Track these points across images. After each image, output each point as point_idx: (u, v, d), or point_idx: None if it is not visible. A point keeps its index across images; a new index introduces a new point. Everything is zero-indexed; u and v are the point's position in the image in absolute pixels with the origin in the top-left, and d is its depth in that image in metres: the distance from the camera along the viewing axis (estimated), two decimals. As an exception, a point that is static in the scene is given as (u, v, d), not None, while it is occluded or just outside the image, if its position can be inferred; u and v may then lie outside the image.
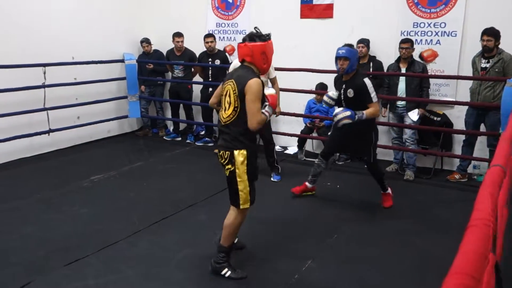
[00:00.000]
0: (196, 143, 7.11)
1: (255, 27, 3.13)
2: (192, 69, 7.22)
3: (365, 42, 5.84)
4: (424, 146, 5.81)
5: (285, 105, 6.65)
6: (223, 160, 3.10)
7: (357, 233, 4.01)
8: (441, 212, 4.51)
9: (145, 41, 7.30)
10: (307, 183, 4.78)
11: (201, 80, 7.10)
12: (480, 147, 5.41)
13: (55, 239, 3.77)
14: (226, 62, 6.73)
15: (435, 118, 5.63)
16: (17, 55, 5.72)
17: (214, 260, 3.23)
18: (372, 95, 4.12)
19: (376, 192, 4.62)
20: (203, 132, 7.35)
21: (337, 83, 4.40)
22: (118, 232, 3.88)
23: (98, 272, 3.26)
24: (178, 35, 6.97)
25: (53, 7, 6.26)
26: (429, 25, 5.74)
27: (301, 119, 6.48)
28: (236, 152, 3.03)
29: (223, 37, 7.20)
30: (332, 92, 4.39)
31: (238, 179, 3.06)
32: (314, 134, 6.34)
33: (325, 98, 4.41)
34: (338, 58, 4.16)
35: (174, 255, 3.53)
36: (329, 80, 6.12)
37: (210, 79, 6.82)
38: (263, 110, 3.05)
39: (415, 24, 5.81)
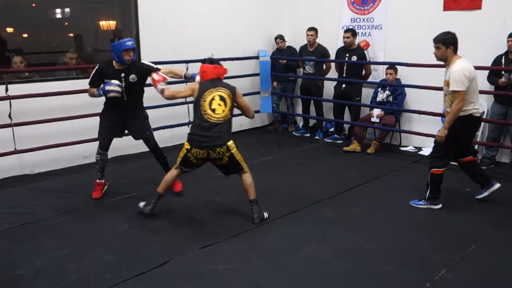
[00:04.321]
0: (325, 140, 7.08)
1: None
2: (324, 66, 7.18)
3: (519, 34, 5.23)
4: None
5: (420, 103, 6.28)
6: (221, 154, 3.92)
7: (502, 243, 3.64)
8: None
9: (279, 38, 7.46)
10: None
11: (334, 76, 7.03)
12: None
13: (191, 224, 4.07)
14: (363, 59, 6.56)
15: None
16: (164, 52, 6.23)
17: (260, 214, 4.05)
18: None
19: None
20: (332, 129, 7.28)
21: (116, 74, 4.29)
22: (248, 221, 4.04)
23: (228, 258, 3.43)
24: (309, 29, 6.99)
25: (196, 7, 6.72)
26: None
27: (438, 118, 6.04)
28: (230, 143, 3.92)
29: (358, 33, 7.02)
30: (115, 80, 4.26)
31: (237, 157, 3.99)
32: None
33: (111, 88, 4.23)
34: (127, 50, 4.14)
35: (301, 249, 3.56)
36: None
37: (344, 76, 6.71)
38: None
39: None
